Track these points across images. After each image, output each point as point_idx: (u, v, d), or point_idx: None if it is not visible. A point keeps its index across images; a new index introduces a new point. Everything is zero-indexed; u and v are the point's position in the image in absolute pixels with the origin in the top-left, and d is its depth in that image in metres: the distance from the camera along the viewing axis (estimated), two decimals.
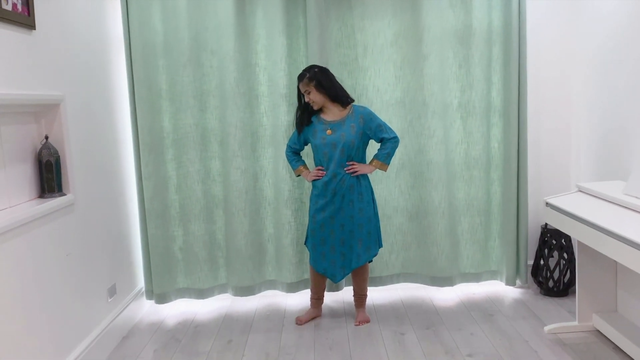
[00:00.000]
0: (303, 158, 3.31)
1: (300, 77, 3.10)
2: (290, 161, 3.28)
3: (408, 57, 3.50)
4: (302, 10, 3.46)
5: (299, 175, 3.29)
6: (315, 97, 3.09)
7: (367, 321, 3.25)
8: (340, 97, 3.12)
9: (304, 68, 3.19)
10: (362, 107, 3.19)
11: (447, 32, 3.49)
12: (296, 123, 3.21)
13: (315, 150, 3.17)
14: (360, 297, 3.32)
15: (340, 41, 3.52)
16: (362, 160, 3.17)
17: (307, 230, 3.25)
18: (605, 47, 3.21)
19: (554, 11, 3.55)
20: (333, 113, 3.13)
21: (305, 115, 3.17)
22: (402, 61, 3.52)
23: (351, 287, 3.41)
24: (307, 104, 3.13)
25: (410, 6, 3.46)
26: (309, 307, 3.37)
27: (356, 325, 3.22)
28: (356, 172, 3.09)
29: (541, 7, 3.54)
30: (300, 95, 3.16)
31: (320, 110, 3.16)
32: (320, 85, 3.07)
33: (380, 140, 3.14)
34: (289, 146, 3.27)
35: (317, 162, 3.19)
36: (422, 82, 3.49)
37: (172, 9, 3.38)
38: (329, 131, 3.09)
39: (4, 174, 2.24)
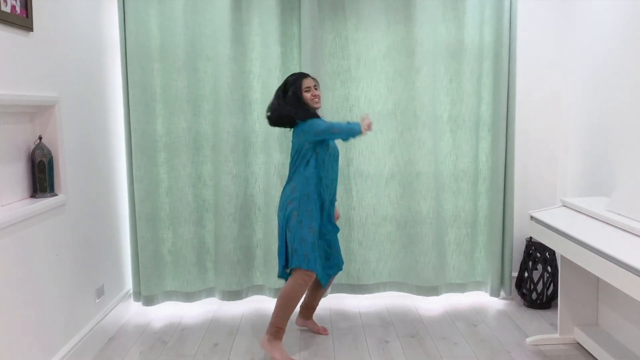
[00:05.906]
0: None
1: (308, 74, 2.96)
2: (346, 125, 2.80)
3: (400, 69, 3.56)
4: (297, 20, 3.51)
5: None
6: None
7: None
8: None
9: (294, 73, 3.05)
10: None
11: (439, 46, 3.55)
12: (308, 109, 2.87)
13: (325, 155, 2.91)
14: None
15: (334, 51, 3.57)
16: None
17: (305, 247, 2.83)
18: (594, 66, 3.29)
19: (544, 29, 3.63)
20: None
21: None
22: (394, 73, 3.57)
23: (336, 295, 3.38)
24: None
25: (404, 20, 3.52)
26: (281, 337, 2.93)
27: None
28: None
29: (532, 24, 3.62)
30: (299, 90, 2.89)
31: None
32: None
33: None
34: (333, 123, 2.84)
35: (323, 173, 2.91)
36: (413, 95, 3.54)
37: (169, 14, 3.42)
38: None
39: None
